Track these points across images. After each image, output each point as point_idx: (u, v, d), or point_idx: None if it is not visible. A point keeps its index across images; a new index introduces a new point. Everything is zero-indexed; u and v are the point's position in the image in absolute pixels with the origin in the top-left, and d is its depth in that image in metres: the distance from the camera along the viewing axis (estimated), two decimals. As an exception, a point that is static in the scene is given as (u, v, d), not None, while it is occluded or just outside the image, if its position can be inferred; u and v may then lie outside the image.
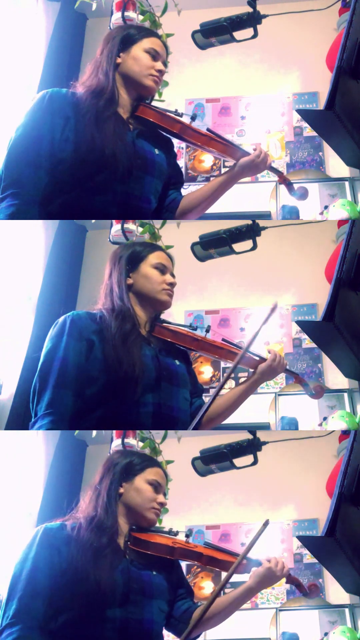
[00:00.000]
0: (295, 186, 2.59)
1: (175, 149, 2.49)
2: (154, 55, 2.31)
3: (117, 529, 2.09)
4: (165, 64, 2.34)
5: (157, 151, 2.33)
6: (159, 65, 2.30)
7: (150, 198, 2.29)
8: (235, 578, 2.18)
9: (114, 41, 2.30)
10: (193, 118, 2.37)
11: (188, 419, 2.25)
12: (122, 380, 2.11)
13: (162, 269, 2.27)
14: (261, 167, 2.37)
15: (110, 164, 2.18)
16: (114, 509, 2.10)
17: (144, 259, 2.26)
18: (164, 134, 2.38)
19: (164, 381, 2.21)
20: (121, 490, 2.13)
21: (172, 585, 2.15)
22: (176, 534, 2.18)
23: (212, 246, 2.52)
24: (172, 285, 2.28)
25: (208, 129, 2.38)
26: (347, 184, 3.25)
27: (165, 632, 2.14)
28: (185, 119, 2.36)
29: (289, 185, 2.58)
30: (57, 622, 1.97)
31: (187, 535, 2.18)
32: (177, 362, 2.30)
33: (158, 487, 2.16)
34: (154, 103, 2.41)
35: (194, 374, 2.40)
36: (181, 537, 2.19)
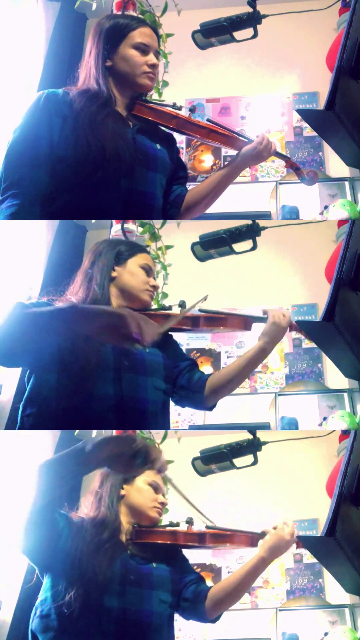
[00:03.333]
0: (304, 171, 2.57)
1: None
2: (144, 49, 2.25)
3: (119, 526, 2.12)
4: (157, 52, 2.29)
5: (158, 146, 2.30)
6: (150, 59, 2.25)
7: (156, 193, 2.27)
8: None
9: (99, 41, 2.26)
10: (192, 110, 2.35)
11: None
12: (95, 159, 2.12)
13: (143, 49, 2.26)
14: (264, 154, 2.32)
15: (112, 161, 2.16)
16: (115, 508, 2.13)
17: (126, 36, 2.27)
18: (164, 129, 2.36)
19: (140, 165, 2.20)
20: (122, 492, 2.16)
21: (177, 576, 2.16)
22: (177, 524, 2.20)
23: (212, 246, 2.51)
24: (153, 66, 2.26)
25: (208, 119, 2.35)
26: (347, 184, 3.26)
27: (176, 627, 2.16)
28: (184, 112, 2.33)
29: (297, 170, 2.55)
30: (59, 204, 2.08)
31: (187, 522, 2.20)
32: (158, 146, 2.28)
33: (158, 487, 2.19)
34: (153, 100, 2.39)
35: (179, 159, 2.38)
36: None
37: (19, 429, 2.09)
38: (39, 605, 2.02)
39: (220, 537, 2.21)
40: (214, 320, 2.27)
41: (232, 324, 2.27)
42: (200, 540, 2.19)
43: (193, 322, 2.25)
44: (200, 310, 2.26)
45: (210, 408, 2.29)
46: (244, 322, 2.27)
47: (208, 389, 2.22)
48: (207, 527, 2.22)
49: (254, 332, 2.29)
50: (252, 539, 2.21)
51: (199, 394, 2.22)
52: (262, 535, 2.18)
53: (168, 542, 2.15)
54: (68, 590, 1.97)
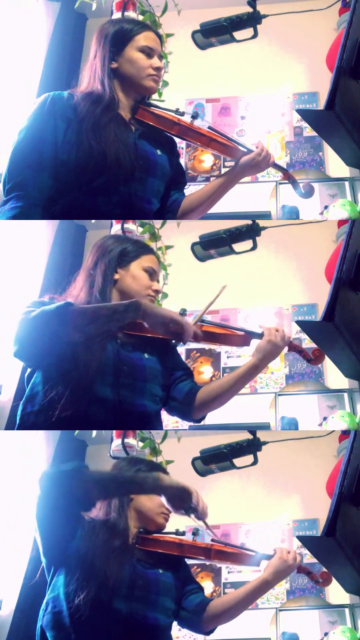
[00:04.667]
0: (301, 184, 2.57)
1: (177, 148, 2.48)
2: (149, 52, 2.28)
3: (128, 531, 2.14)
4: (161, 55, 2.32)
5: (159, 152, 2.32)
6: (155, 62, 2.28)
7: (152, 199, 2.29)
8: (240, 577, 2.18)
9: (105, 44, 2.28)
10: (194, 117, 2.36)
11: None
12: (96, 165, 2.15)
13: (148, 52, 2.28)
14: (263, 165, 2.35)
15: (113, 166, 2.18)
16: (126, 513, 2.14)
17: (131, 39, 2.28)
18: (166, 133, 2.37)
19: (140, 171, 2.22)
20: (132, 495, 2.17)
21: (180, 583, 2.18)
22: (183, 534, 2.20)
23: (212, 246, 2.52)
24: (158, 69, 2.28)
25: (210, 127, 2.36)
26: (347, 184, 3.25)
27: (177, 627, 2.17)
28: (187, 118, 2.34)
29: (294, 183, 2.56)
30: (59, 206, 2.12)
31: (193, 534, 2.20)
32: (159, 152, 2.30)
33: None
34: (154, 101, 2.40)
35: (179, 165, 2.40)
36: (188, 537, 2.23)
37: (19, 427, 2.09)
38: (51, 601, 2.02)
39: (222, 554, 2.21)
40: (214, 337, 2.27)
41: (231, 341, 2.27)
42: (205, 555, 2.20)
43: (194, 336, 2.25)
44: (201, 322, 2.25)
45: (198, 421, 2.29)
46: (242, 340, 2.27)
47: (197, 402, 2.22)
48: (212, 540, 2.22)
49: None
50: (255, 559, 2.22)
51: (188, 407, 2.23)
52: (264, 557, 2.20)
53: (174, 554, 2.16)
54: (80, 591, 1.98)
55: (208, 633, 2.21)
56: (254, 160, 2.33)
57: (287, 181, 2.58)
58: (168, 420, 2.86)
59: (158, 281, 2.27)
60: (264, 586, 2.17)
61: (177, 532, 2.20)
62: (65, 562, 2.03)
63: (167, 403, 2.24)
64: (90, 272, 2.20)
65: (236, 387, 2.21)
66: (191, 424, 3.11)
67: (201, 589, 2.22)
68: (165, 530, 2.21)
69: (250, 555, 2.22)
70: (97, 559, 2.01)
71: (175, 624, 2.19)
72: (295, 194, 2.58)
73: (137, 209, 2.25)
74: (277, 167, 2.49)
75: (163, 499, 2.04)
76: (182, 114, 2.33)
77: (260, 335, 2.23)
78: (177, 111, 2.33)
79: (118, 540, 2.08)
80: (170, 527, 2.23)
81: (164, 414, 2.26)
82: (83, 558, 2.01)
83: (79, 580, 1.99)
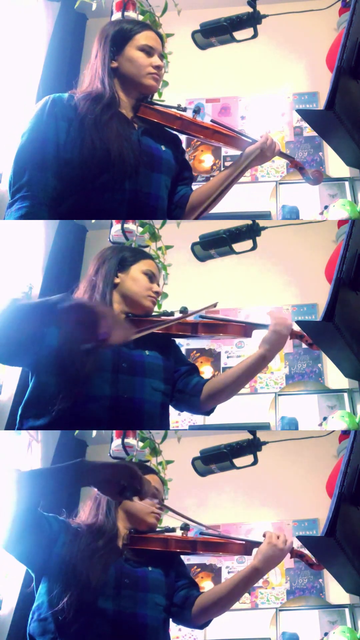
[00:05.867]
0: (309, 171, 2.57)
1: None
2: (149, 51, 2.28)
3: (116, 532, 2.14)
4: (162, 55, 2.32)
5: (163, 148, 2.33)
6: (155, 61, 2.29)
7: (160, 194, 2.29)
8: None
9: (105, 44, 2.29)
10: (196, 111, 2.36)
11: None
12: (100, 162, 2.15)
13: (148, 51, 2.29)
14: (268, 154, 2.34)
15: (117, 163, 2.19)
16: (113, 514, 2.15)
17: (131, 38, 2.29)
18: (170, 130, 2.37)
19: (145, 167, 2.22)
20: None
21: (172, 580, 2.18)
22: (173, 530, 2.20)
23: (212, 246, 2.52)
24: (158, 68, 2.29)
25: (212, 120, 2.36)
26: (347, 184, 3.25)
27: (177, 627, 2.17)
28: (189, 114, 2.35)
29: (301, 170, 2.56)
30: (65, 206, 2.13)
31: (182, 529, 2.20)
32: (163, 148, 2.30)
33: (155, 494, 2.20)
34: (154, 101, 2.40)
35: (185, 160, 2.40)
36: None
37: (18, 427, 2.10)
38: (36, 610, 2.05)
39: (212, 545, 2.20)
40: (213, 327, 2.26)
41: (231, 331, 2.27)
42: (192, 547, 2.19)
43: (192, 329, 2.24)
44: (200, 316, 2.25)
45: (207, 413, 2.29)
46: (244, 329, 2.27)
47: (205, 394, 2.23)
48: (201, 533, 2.22)
49: (256, 332, 2.29)
50: (246, 547, 2.20)
51: (196, 398, 2.23)
52: (256, 544, 2.18)
53: (160, 549, 2.16)
54: (63, 595, 2.00)
55: (202, 626, 2.19)
56: (259, 149, 2.32)
57: (295, 168, 2.57)
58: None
59: (159, 284, 2.28)
60: (254, 574, 2.11)
61: (167, 529, 2.21)
62: (48, 571, 2.04)
63: (174, 397, 2.25)
64: (91, 278, 2.23)
65: (243, 378, 2.21)
66: (191, 423, 3.11)
67: (193, 584, 2.21)
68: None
69: (241, 545, 2.20)
70: (79, 562, 2.02)
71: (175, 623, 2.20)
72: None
73: (143, 206, 2.25)
74: (283, 155, 2.48)
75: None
76: (184, 109, 2.33)
77: (262, 326, 2.24)
78: (178, 107, 2.33)
79: (102, 541, 2.08)
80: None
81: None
82: (66, 563, 2.02)
83: (62, 585, 2.01)
